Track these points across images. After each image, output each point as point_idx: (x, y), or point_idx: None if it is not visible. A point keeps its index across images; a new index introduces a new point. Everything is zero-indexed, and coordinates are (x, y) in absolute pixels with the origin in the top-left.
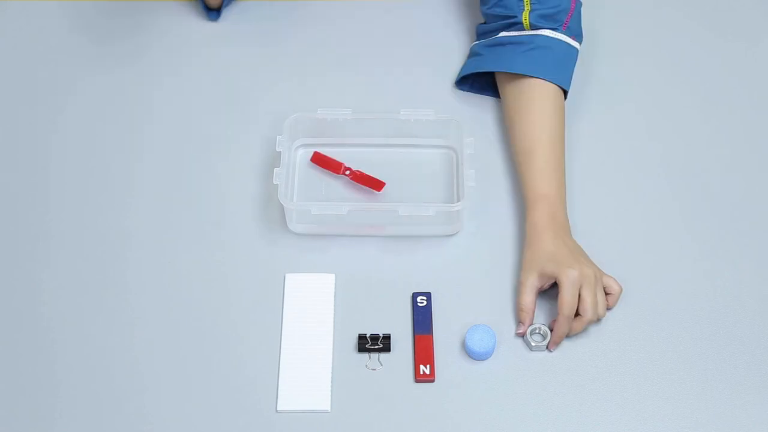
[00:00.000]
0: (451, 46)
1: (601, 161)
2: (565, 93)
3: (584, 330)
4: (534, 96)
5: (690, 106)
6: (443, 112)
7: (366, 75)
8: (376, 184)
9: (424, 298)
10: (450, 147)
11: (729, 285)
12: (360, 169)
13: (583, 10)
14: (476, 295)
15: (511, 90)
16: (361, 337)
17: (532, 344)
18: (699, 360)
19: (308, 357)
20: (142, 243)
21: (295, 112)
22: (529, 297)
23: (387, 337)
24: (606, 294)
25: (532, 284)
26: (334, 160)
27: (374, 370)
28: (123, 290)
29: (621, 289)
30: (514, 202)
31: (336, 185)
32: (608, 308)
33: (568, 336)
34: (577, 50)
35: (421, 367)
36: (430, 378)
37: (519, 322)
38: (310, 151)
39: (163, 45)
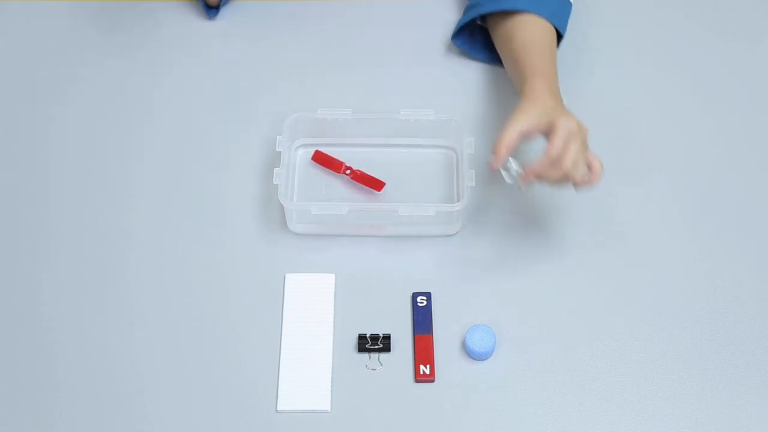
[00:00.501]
0: (452, 46)
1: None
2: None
3: (558, 185)
4: (528, 22)
5: (690, 106)
6: (443, 112)
7: (366, 75)
8: (376, 184)
9: (424, 298)
10: (450, 147)
11: (729, 285)
12: (360, 169)
13: (583, 11)
14: (476, 295)
15: (505, 25)
16: (361, 337)
17: (510, 172)
18: (699, 360)
19: (308, 357)
20: (142, 243)
21: (295, 112)
22: (514, 133)
23: (387, 337)
24: (588, 169)
25: (522, 123)
26: (335, 159)
27: (374, 370)
28: (123, 290)
29: (602, 167)
30: (515, 203)
31: (336, 185)
32: (589, 185)
33: (541, 180)
34: (571, 4)
35: (421, 367)
36: (430, 378)
37: (494, 153)
38: (310, 151)
39: (163, 45)
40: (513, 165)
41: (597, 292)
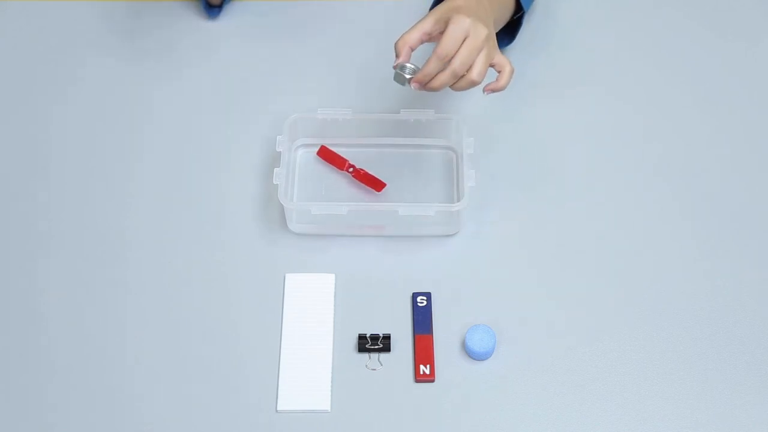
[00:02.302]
0: None
1: (600, 161)
2: (523, 12)
3: (458, 88)
4: None
5: (690, 106)
6: (443, 112)
7: (366, 75)
8: (376, 184)
9: (424, 298)
10: (450, 147)
11: (729, 285)
12: (363, 168)
13: (583, 11)
14: (476, 295)
15: None
16: (361, 337)
17: (399, 76)
18: (699, 360)
19: (308, 357)
20: (142, 243)
21: (295, 112)
22: (413, 33)
23: (387, 337)
24: (497, 72)
25: (423, 26)
26: (339, 156)
27: (374, 370)
28: (122, 290)
29: (512, 69)
30: (514, 202)
31: (336, 185)
32: (498, 89)
33: (433, 87)
34: None
35: (421, 367)
36: (430, 378)
37: (396, 54)
38: (311, 151)
39: (163, 45)
40: (408, 65)
41: (597, 292)
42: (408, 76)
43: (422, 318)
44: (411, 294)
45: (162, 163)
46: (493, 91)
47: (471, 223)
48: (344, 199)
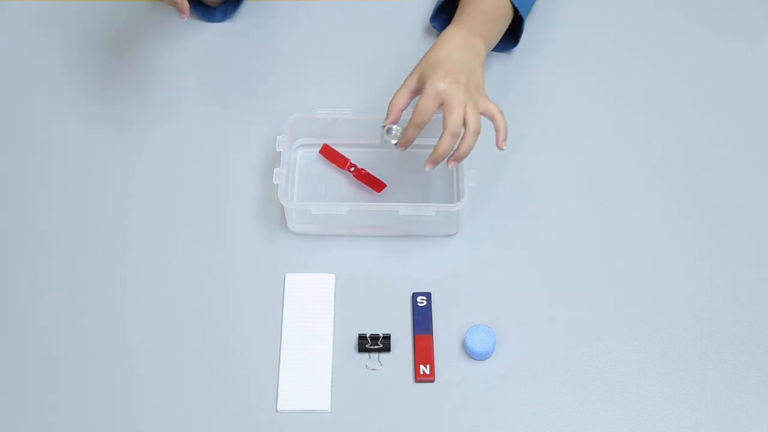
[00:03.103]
0: None
1: (600, 161)
2: (522, 23)
3: (451, 149)
4: None
5: (690, 106)
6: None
7: (366, 75)
8: (377, 185)
9: (424, 298)
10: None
11: (729, 285)
12: (364, 168)
13: (583, 11)
14: (476, 295)
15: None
16: (361, 337)
17: (384, 137)
18: (699, 360)
19: (308, 357)
20: (142, 243)
21: (295, 112)
22: (401, 94)
23: (387, 337)
24: (492, 121)
25: (409, 84)
26: (341, 156)
27: (374, 370)
28: (122, 290)
29: (501, 112)
30: (514, 202)
31: (336, 184)
32: (500, 132)
33: (439, 156)
34: None
35: (421, 367)
36: (430, 378)
37: (387, 114)
38: (311, 151)
39: (163, 45)
40: (395, 128)
41: (597, 292)
42: (393, 141)
43: (422, 318)
44: (411, 294)
45: (162, 164)
46: (501, 143)
47: (471, 223)
48: (344, 199)
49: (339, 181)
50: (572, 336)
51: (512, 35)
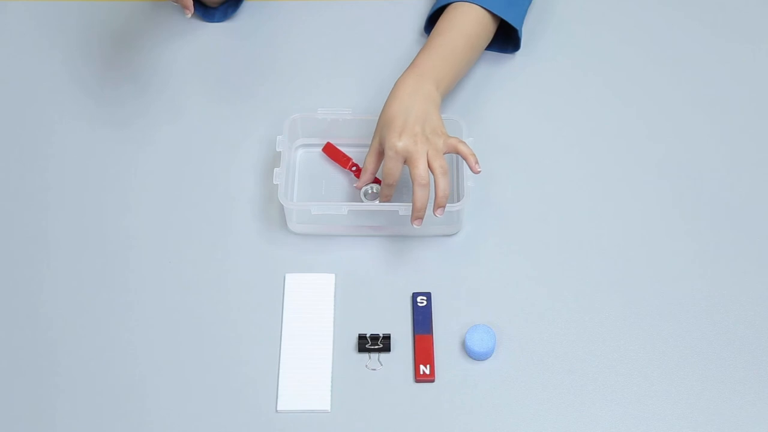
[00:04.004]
0: None
1: (601, 161)
2: (519, 35)
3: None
4: (460, 12)
5: (691, 107)
6: (443, 112)
7: (366, 75)
8: (378, 184)
9: (424, 298)
10: None
11: (729, 285)
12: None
13: (583, 11)
14: (476, 295)
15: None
16: (361, 337)
17: (363, 199)
18: (699, 360)
19: (308, 357)
20: (142, 243)
21: (295, 112)
22: (370, 158)
23: (387, 337)
24: (463, 157)
25: (374, 147)
26: (344, 154)
27: (374, 370)
28: (123, 290)
29: (466, 144)
30: (514, 202)
31: (336, 184)
32: (473, 166)
33: (419, 209)
34: None
35: (421, 367)
36: (430, 378)
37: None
38: (311, 151)
39: (164, 45)
40: (371, 187)
41: (597, 292)
42: (373, 200)
43: (422, 318)
44: (411, 294)
45: (162, 163)
46: (475, 166)
47: (471, 223)
48: (344, 199)
49: (339, 179)
50: (572, 336)
51: (511, 41)
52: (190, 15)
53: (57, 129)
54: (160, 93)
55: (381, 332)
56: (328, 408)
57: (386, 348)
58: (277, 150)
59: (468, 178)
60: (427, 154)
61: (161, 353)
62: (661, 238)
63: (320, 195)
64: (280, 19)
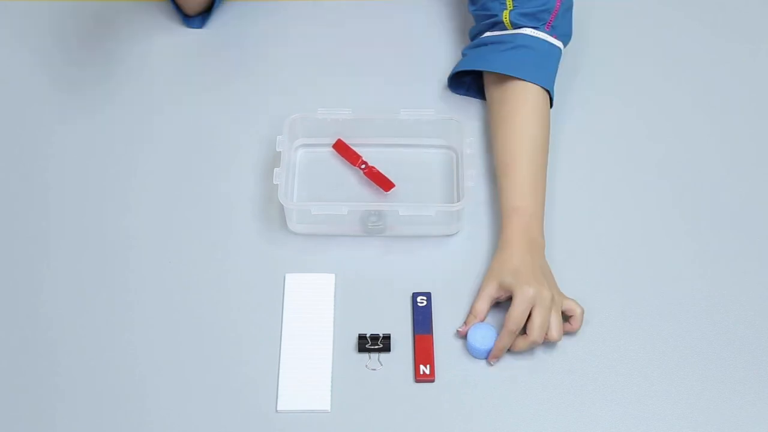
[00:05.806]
0: (452, 47)
1: (601, 162)
2: (551, 95)
3: (529, 350)
4: (517, 103)
5: (691, 107)
6: (443, 112)
7: (366, 75)
8: (386, 184)
9: (424, 298)
10: (450, 147)
11: (729, 285)
12: (375, 166)
13: (577, 10)
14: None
15: (494, 94)
16: (361, 337)
17: (367, 225)
18: (699, 360)
19: (308, 357)
20: (142, 243)
21: (295, 112)
22: (482, 303)
23: (387, 337)
24: (569, 317)
25: (488, 293)
26: (354, 152)
27: (374, 370)
28: (123, 290)
29: (582, 310)
30: None
31: (336, 184)
32: (572, 331)
33: (510, 351)
34: (560, 50)
35: (421, 367)
36: (430, 378)
37: (465, 322)
38: (310, 151)
39: (163, 46)
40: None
41: (597, 291)
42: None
43: (422, 318)
44: (411, 294)
45: (162, 164)
46: (567, 332)
47: (471, 223)
48: (345, 199)
49: (339, 179)
50: (572, 336)
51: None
52: None
53: (57, 129)
54: (160, 93)
55: (381, 332)
56: (328, 408)
57: (386, 348)
58: (277, 150)
59: (468, 178)
60: (551, 312)
61: (161, 353)
62: (661, 238)
63: (320, 195)
64: (280, 19)
